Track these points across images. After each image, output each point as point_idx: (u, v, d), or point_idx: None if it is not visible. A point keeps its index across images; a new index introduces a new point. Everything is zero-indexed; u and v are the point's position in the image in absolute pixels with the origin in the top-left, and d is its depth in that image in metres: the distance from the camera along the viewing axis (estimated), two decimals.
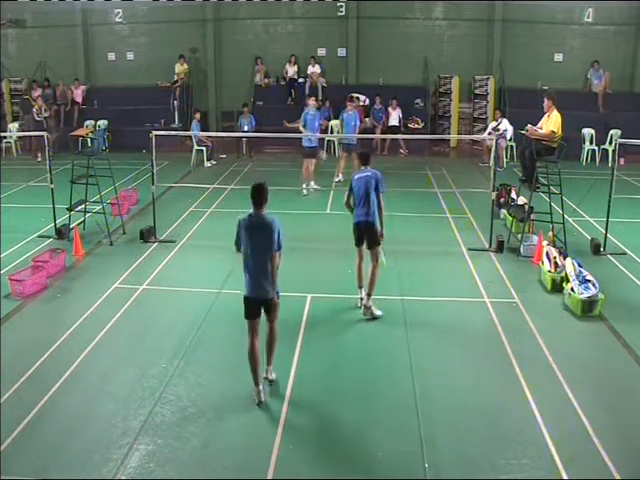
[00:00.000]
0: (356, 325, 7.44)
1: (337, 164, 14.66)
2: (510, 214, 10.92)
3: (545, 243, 9.23)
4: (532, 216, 10.18)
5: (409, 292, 8.33)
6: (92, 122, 18.14)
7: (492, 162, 10.46)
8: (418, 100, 19.62)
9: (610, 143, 16.62)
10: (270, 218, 5.79)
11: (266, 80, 20.30)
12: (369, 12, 19.98)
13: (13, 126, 19.05)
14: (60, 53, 20.83)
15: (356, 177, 7.69)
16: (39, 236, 10.50)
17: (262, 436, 5.31)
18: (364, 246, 7.68)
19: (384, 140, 18.42)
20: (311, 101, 13.81)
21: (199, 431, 5.37)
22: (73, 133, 11.72)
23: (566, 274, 8.16)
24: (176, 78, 19.92)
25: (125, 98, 19.57)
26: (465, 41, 20.24)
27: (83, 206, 10.53)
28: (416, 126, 18.88)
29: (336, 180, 14.39)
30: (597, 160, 17.28)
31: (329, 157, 16.65)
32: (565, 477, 4.81)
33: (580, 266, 8.21)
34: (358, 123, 14.72)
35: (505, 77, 19.46)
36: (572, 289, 7.80)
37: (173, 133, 16.01)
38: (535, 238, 9.77)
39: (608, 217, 9.82)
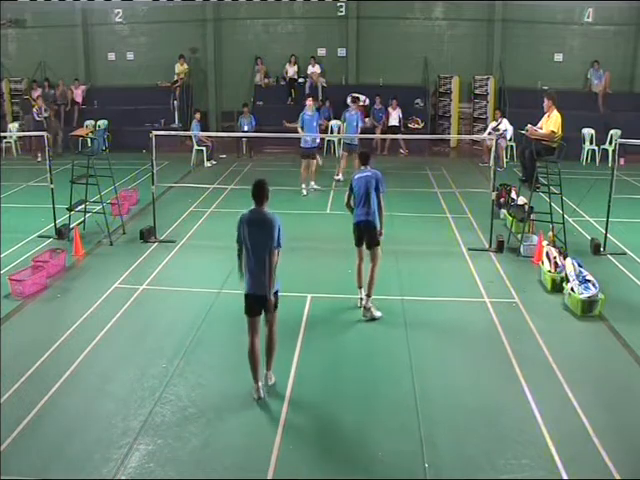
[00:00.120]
0: (356, 325, 7.44)
1: (338, 163, 14.68)
2: (510, 214, 10.92)
3: (545, 243, 9.24)
4: (532, 216, 10.18)
5: (409, 292, 8.33)
6: (92, 122, 18.15)
7: (492, 162, 10.46)
8: (418, 100, 19.63)
9: (610, 143, 16.62)
10: (271, 215, 5.80)
11: (266, 80, 20.29)
12: (369, 12, 19.97)
13: (13, 126, 19.06)
14: (60, 53, 20.83)
15: (356, 177, 7.69)
16: (39, 236, 10.50)
17: (262, 436, 5.31)
18: (364, 246, 7.69)
19: (384, 140, 18.42)
20: (308, 102, 13.79)
21: (199, 431, 5.37)
22: (73, 133, 11.73)
23: (566, 274, 8.15)
24: (176, 78, 19.92)
25: (125, 98, 19.56)
26: (465, 41, 20.24)
27: (83, 206, 10.53)
28: (416, 126, 18.89)
29: (337, 179, 14.40)
30: (597, 160, 17.27)
31: (329, 157, 16.66)
32: (565, 477, 4.81)
33: (580, 266, 8.21)
34: (360, 123, 14.74)
35: (505, 77, 19.46)
36: (572, 289, 7.80)
37: (173, 133, 16.00)
38: (535, 238, 9.77)
39: (608, 217, 9.82)
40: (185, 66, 19.99)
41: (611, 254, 9.81)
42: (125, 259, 9.55)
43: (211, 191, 13.40)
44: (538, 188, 10.08)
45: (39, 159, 16.29)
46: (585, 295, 7.64)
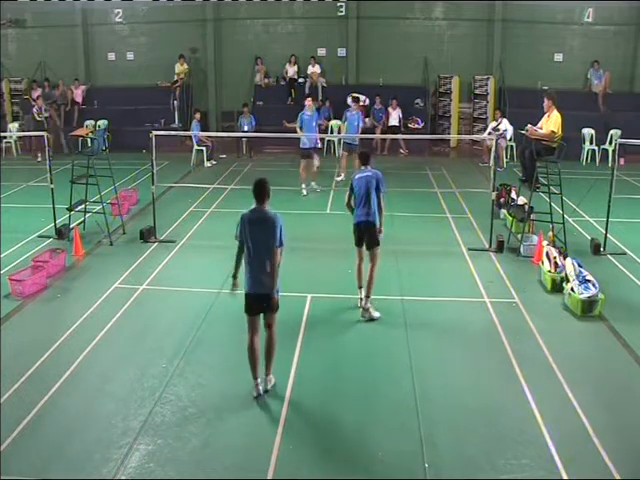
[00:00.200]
0: (356, 325, 7.44)
1: (338, 164, 14.66)
2: (510, 214, 10.92)
3: (545, 243, 9.24)
4: (532, 216, 10.18)
5: (409, 292, 8.33)
6: (92, 122, 18.15)
7: (492, 162, 10.46)
8: (418, 100, 19.63)
9: (610, 143, 16.62)
10: (272, 213, 5.79)
11: (266, 80, 20.29)
12: (369, 12, 19.98)
13: (13, 126, 19.07)
14: (60, 53, 20.83)
15: (357, 177, 7.69)
16: (39, 236, 10.50)
17: (262, 436, 5.31)
18: (364, 247, 7.69)
19: (384, 140, 18.43)
20: (307, 102, 13.78)
21: (199, 431, 5.37)
22: (73, 133, 11.74)
23: (566, 274, 8.16)
24: (176, 78, 19.91)
25: (125, 98, 19.55)
26: (465, 41, 20.24)
27: (83, 206, 10.53)
28: (416, 126, 18.89)
29: (338, 179, 14.39)
30: (597, 160, 17.27)
31: (329, 157, 16.64)
32: (565, 477, 4.81)
33: (580, 266, 8.21)
34: (361, 124, 14.73)
35: (505, 77, 19.46)
36: (572, 289, 7.80)
37: (173, 133, 16.01)
38: (535, 238, 9.77)
39: (608, 217, 9.82)
40: (185, 66, 19.99)
41: (611, 254, 9.81)
42: (125, 259, 9.55)
43: (211, 191, 13.40)
44: (538, 188, 10.08)
45: (39, 159, 16.29)
46: (585, 295, 7.64)
